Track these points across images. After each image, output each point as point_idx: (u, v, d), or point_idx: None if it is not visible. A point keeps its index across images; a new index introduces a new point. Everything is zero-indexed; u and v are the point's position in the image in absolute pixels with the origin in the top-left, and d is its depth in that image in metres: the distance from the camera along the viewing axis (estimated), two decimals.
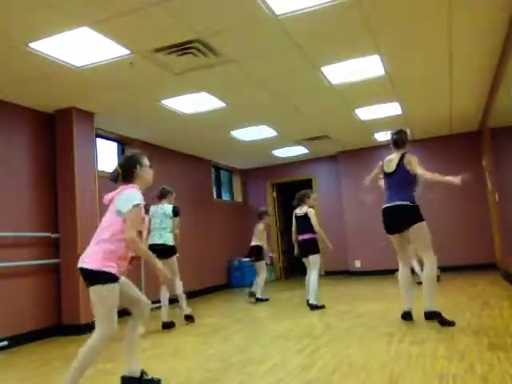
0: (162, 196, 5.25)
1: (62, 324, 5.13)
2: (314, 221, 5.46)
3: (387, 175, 4.25)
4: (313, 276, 5.34)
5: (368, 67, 4.86)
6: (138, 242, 2.56)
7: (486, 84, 5.78)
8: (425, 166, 3.96)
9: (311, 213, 5.52)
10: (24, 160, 5.06)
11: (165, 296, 5.07)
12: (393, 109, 6.57)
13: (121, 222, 2.57)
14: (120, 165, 2.81)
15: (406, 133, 4.23)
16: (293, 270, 10.58)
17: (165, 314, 5.00)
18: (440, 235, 8.04)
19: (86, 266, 2.50)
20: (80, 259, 2.56)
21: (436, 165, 8.42)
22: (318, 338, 3.73)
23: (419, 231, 3.93)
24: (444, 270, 7.81)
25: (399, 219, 4.02)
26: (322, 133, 7.73)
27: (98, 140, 6.26)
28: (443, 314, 3.80)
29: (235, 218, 9.95)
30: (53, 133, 5.41)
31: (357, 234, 8.99)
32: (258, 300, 6.45)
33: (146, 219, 2.90)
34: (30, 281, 4.93)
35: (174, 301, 5.25)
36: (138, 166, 2.79)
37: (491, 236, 8.04)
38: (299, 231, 5.57)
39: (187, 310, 5.22)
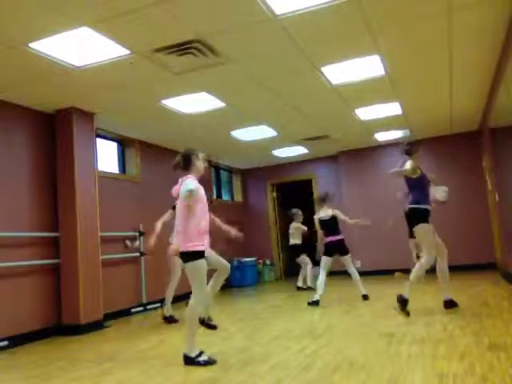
0: None
1: (62, 324, 5.13)
2: (344, 217, 5.85)
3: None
4: (354, 274, 5.81)
5: (368, 67, 4.86)
6: None
7: (485, 84, 5.78)
8: (426, 166, 4.32)
9: (338, 213, 5.88)
10: (24, 160, 5.06)
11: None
12: (393, 109, 6.57)
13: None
14: (181, 155, 3.39)
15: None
16: (292, 270, 10.58)
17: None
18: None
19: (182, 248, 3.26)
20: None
21: (436, 165, 8.48)
22: (318, 338, 3.73)
23: None
24: None
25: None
26: (322, 133, 7.72)
27: (98, 140, 6.26)
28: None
29: (235, 218, 9.94)
30: (53, 133, 5.41)
31: (357, 234, 8.99)
32: (310, 288, 7.17)
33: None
34: (30, 281, 4.93)
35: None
36: (194, 157, 3.38)
37: (491, 236, 8.04)
38: (328, 233, 5.84)
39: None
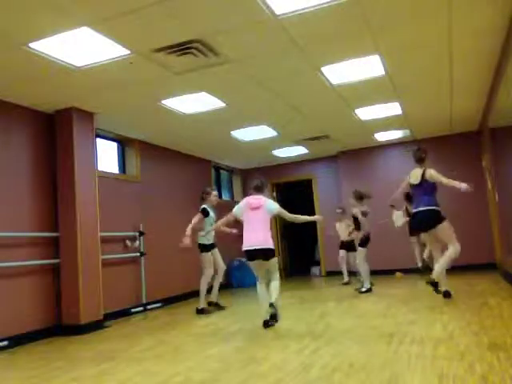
0: (201, 199, 5.89)
1: (62, 324, 5.13)
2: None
3: (413, 186, 5.18)
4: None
5: (368, 67, 4.86)
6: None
7: (485, 84, 5.78)
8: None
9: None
10: (24, 160, 5.06)
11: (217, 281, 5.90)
12: (393, 109, 6.57)
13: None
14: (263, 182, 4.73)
15: (422, 150, 5.27)
16: (292, 270, 10.59)
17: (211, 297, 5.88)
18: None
19: (270, 246, 4.39)
20: (255, 244, 4.35)
21: (436, 165, 8.41)
22: (318, 338, 3.73)
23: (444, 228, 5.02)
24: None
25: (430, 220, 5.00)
26: (322, 133, 7.73)
27: (98, 140, 6.26)
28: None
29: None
30: (53, 133, 5.41)
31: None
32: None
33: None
34: (30, 281, 4.93)
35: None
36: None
37: (491, 236, 8.04)
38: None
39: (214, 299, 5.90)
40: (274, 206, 4.54)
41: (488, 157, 7.23)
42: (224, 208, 9.74)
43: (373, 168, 9.11)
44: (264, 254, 4.38)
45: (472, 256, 8.08)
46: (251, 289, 8.42)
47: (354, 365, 2.86)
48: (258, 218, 4.42)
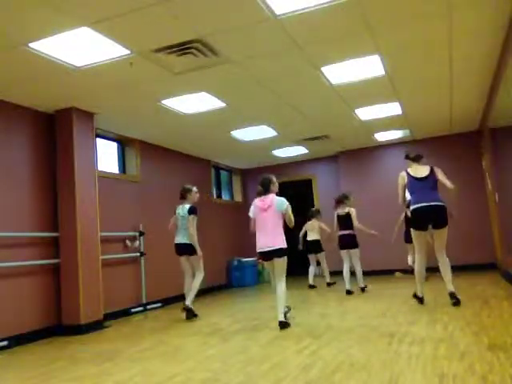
0: (182, 196, 5.50)
1: (62, 324, 5.13)
2: (354, 219, 6.48)
3: (418, 179, 4.82)
4: (358, 267, 6.44)
5: (368, 67, 4.86)
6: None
7: (485, 84, 5.78)
8: None
9: (353, 212, 6.54)
10: (24, 160, 5.06)
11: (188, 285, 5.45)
12: (393, 109, 6.57)
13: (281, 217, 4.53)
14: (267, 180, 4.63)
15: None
16: (292, 270, 10.56)
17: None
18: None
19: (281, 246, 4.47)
20: (266, 244, 4.58)
21: (436, 165, 8.46)
22: (318, 338, 3.73)
23: (446, 232, 4.72)
24: None
25: (439, 217, 4.64)
26: (322, 133, 7.73)
27: (98, 140, 6.26)
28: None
29: (235, 218, 9.95)
30: (53, 133, 5.41)
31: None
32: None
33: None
34: (30, 281, 4.93)
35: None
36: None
37: (491, 236, 8.04)
38: (341, 228, 6.62)
39: (189, 303, 5.33)
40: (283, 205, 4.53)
41: (488, 157, 7.23)
42: (225, 208, 9.81)
43: (373, 168, 9.12)
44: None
45: (472, 256, 8.10)
46: (251, 288, 8.41)
47: (355, 365, 2.86)
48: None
